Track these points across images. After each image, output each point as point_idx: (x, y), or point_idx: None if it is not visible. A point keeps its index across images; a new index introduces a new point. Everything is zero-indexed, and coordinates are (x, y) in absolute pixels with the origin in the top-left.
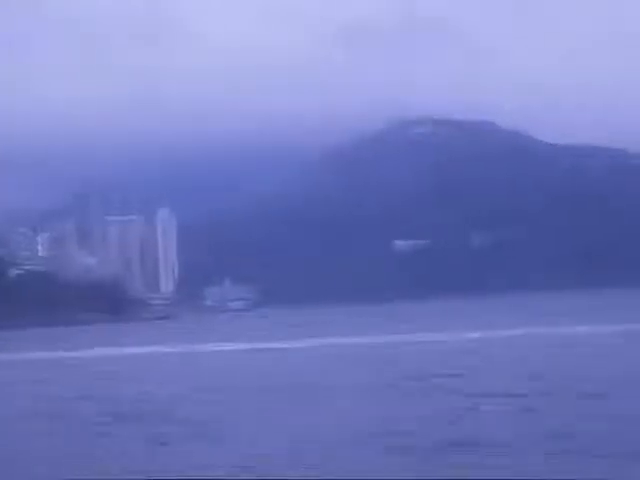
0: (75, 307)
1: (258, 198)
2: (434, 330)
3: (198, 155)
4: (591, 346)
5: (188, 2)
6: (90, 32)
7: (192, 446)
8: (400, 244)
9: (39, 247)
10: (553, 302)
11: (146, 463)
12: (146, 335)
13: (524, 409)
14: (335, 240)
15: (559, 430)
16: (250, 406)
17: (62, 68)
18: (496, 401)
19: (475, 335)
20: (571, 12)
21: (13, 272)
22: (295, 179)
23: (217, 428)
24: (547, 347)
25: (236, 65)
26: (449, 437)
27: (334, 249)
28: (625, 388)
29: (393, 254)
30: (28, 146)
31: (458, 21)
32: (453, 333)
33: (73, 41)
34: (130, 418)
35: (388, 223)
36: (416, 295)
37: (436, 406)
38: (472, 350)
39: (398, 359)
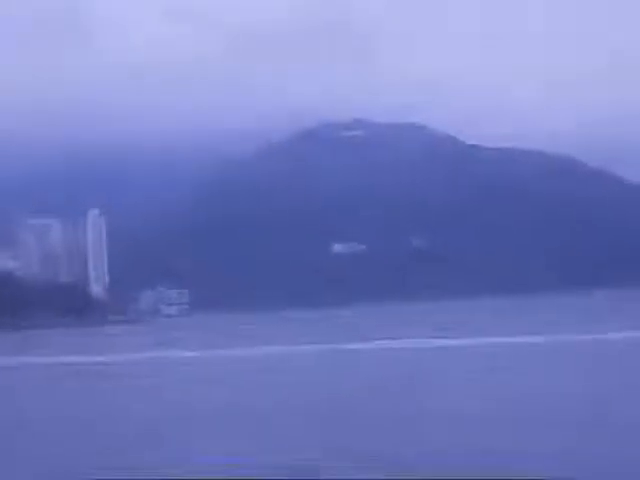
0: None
1: (187, 199)
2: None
3: (120, 156)
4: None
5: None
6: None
7: None
8: (337, 247)
9: None
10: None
11: None
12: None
13: None
14: (268, 242)
15: None
16: None
17: None
18: None
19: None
20: (487, 11)
21: None
22: (227, 178)
23: None
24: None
25: (155, 62)
26: None
27: (266, 251)
28: None
29: (330, 257)
30: None
31: (388, 24)
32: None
33: None
34: None
35: (323, 226)
36: (351, 299)
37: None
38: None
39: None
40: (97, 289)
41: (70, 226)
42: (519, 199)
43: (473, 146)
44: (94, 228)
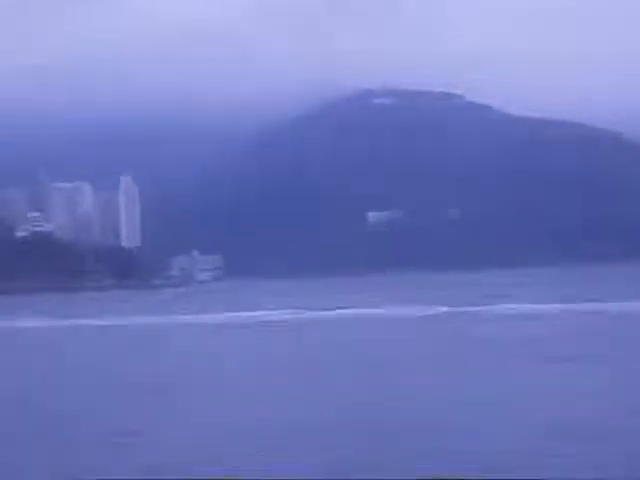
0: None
1: (222, 168)
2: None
3: (152, 121)
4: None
5: None
6: None
7: None
8: (372, 216)
9: None
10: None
11: None
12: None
13: None
14: (302, 211)
15: None
16: None
17: None
18: None
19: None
20: None
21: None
22: (261, 145)
23: None
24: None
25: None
26: None
27: (302, 220)
28: None
29: (366, 226)
30: None
31: None
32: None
33: None
34: None
35: (359, 194)
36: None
37: None
38: None
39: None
40: (131, 254)
41: (103, 191)
42: (557, 169)
43: (509, 115)
44: (127, 193)
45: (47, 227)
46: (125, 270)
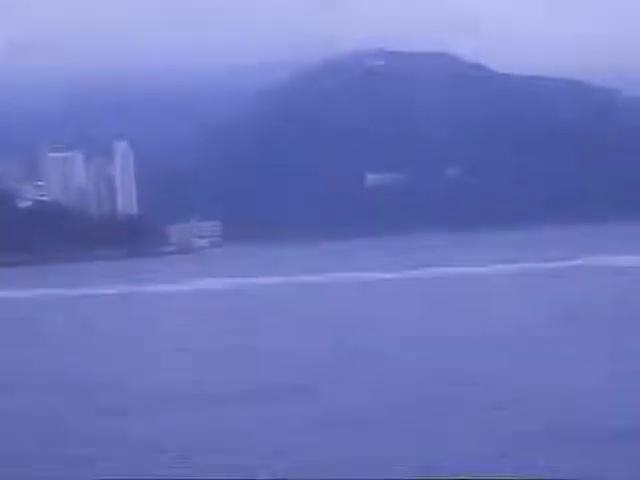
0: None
1: (215, 132)
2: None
3: (144, 89)
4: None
5: None
6: None
7: None
8: (371, 178)
9: None
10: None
11: None
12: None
13: None
14: (301, 173)
15: None
16: None
17: None
18: None
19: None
20: None
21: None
22: (254, 110)
23: None
24: None
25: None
26: None
27: (299, 183)
28: None
29: (364, 188)
30: None
31: None
32: None
33: None
34: None
35: (355, 156)
36: (385, 230)
37: None
38: None
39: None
40: (128, 222)
41: (98, 158)
42: (552, 128)
43: (504, 75)
44: (122, 160)
45: (43, 197)
46: (121, 238)
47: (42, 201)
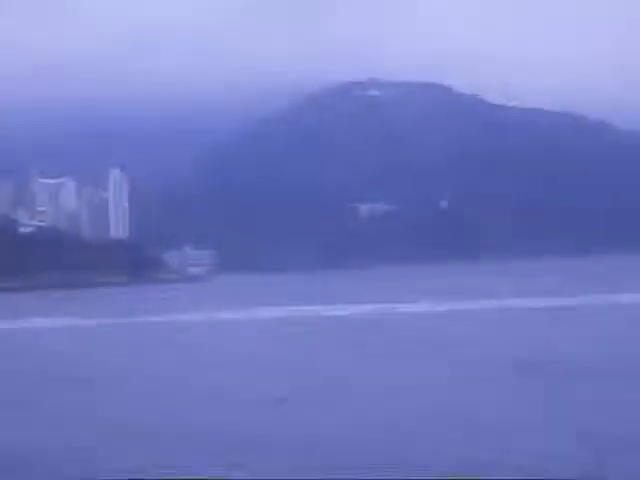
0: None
1: (209, 160)
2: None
3: (140, 118)
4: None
5: None
6: None
7: None
8: (363, 208)
9: None
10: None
11: None
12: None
13: None
14: (291, 203)
15: None
16: None
17: None
18: None
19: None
20: None
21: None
22: (248, 140)
23: None
24: None
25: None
26: None
27: (292, 213)
28: None
29: (355, 218)
30: None
31: None
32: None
33: None
34: None
35: (349, 187)
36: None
37: None
38: None
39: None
40: (121, 249)
41: (91, 186)
42: (546, 159)
43: (498, 106)
44: (115, 187)
45: (36, 223)
46: (115, 265)
47: (41, 227)
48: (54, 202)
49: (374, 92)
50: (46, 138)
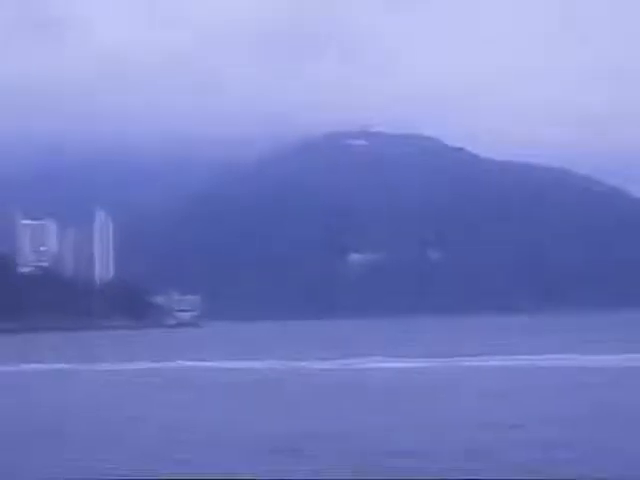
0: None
1: (194, 207)
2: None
3: (126, 158)
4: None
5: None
6: None
7: None
8: (353, 257)
9: None
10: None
11: None
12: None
13: None
14: (276, 252)
15: None
16: None
17: None
18: None
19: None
20: (501, 25)
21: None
22: (234, 186)
23: None
24: None
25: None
26: None
27: (279, 260)
28: None
29: (344, 267)
30: None
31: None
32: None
33: None
34: None
35: (337, 234)
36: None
37: None
38: None
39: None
40: (105, 293)
41: (75, 228)
42: (533, 212)
43: (485, 159)
44: (101, 230)
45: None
46: (100, 309)
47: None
48: (34, 243)
49: (362, 142)
50: (29, 177)
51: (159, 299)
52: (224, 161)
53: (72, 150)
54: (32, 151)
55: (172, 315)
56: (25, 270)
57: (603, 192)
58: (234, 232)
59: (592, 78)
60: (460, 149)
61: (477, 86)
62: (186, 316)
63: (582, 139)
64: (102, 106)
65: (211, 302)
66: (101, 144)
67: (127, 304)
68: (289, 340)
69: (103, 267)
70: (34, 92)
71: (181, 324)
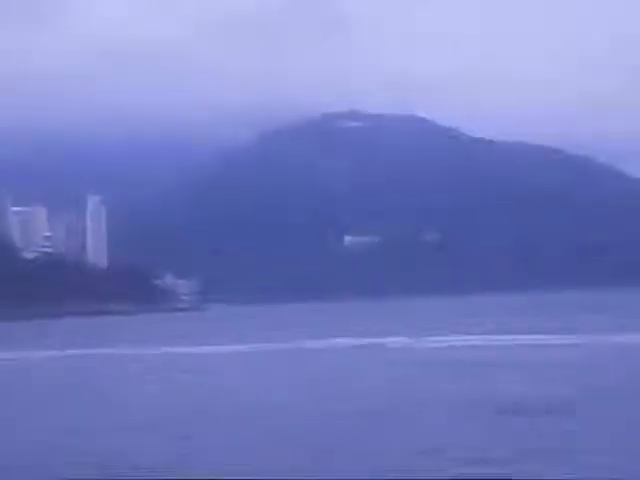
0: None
1: (190, 189)
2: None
3: (120, 142)
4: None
5: None
6: None
7: None
8: (349, 240)
9: None
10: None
11: None
12: None
13: None
14: (271, 235)
15: None
16: None
17: None
18: None
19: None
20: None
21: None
22: (228, 167)
23: None
24: None
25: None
26: None
27: (270, 244)
28: None
29: (340, 249)
30: None
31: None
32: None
33: None
34: None
35: (331, 218)
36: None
37: None
38: None
39: None
40: (100, 278)
41: (69, 213)
42: (526, 193)
43: (478, 139)
44: (94, 215)
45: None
46: (94, 294)
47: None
48: (34, 230)
49: (355, 123)
50: (22, 162)
51: (161, 283)
52: (218, 145)
53: (69, 138)
54: (26, 139)
55: (176, 299)
56: (29, 256)
57: (600, 171)
58: (230, 216)
59: (591, 58)
60: (454, 129)
61: (472, 68)
62: (188, 299)
63: (579, 120)
64: (100, 92)
65: (209, 286)
66: (99, 129)
67: (129, 289)
68: (328, 321)
69: (96, 251)
70: (30, 80)
71: (182, 308)
